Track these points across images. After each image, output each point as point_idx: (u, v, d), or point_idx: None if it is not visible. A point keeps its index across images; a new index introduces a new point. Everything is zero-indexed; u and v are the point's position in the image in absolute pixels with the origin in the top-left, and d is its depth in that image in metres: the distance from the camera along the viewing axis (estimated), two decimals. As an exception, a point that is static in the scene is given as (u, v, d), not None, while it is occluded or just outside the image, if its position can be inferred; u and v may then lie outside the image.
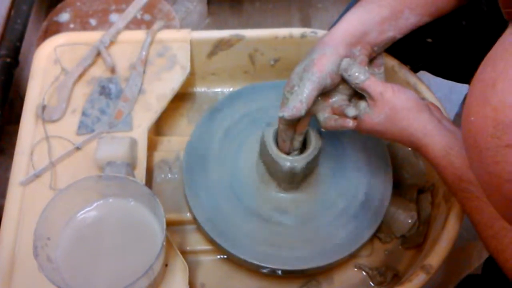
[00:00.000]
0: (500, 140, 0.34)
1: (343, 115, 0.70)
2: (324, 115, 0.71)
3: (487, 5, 0.80)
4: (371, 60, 0.74)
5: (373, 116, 0.68)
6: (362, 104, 0.69)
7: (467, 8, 0.77)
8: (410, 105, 0.66)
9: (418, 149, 0.67)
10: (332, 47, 0.68)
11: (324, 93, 0.70)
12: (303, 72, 0.67)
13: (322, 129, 0.73)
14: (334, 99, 0.71)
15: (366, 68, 0.70)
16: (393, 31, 0.71)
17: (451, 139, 0.64)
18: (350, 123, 0.69)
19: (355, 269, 0.81)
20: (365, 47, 0.70)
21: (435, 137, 0.65)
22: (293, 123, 0.73)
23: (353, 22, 0.70)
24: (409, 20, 0.71)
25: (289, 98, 0.68)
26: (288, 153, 0.77)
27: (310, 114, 0.72)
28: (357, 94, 0.70)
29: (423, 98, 0.82)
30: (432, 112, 0.68)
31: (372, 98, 0.67)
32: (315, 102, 0.69)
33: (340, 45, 0.68)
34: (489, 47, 0.77)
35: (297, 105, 0.66)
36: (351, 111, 0.69)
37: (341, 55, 0.68)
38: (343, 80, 0.69)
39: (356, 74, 0.67)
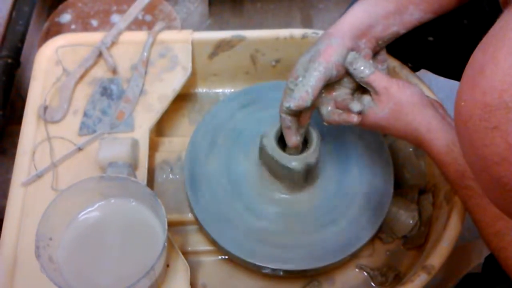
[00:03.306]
0: (488, 122, 0.34)
1: (347, 109, 0.69)
2: (328, 109, 0.71)
3: (489, 4, 0.80)
4: (373, 56, 0.74)
5: (377, 110, 0.67)
6: (366, 98, 0.68)
7: (469, 7, 0.77)
8: (415, 100, 0.66)
9: (421, 145, 0.67)
10: (339, 38, 0.67)
11: (328, 86, 0.69)
12: (309, 63, 0.67)
13: (325, 123, 0.72)
14: (337, 93, 0.71)
15: (371, 62, 0.70)
16: (398, 26, 0.71)
17: (454, 136, 0.64)
18: (355, 118, 0.68)
19: (357, 270, 0.81)
20: (370, 40, 0.70)
21: (439, 133, 0.65)
22: (296, 115, 0.72)
23: (359, 15, 0.69)
24: (413, 16, 0.71)
25: (293, 89, 0.67)
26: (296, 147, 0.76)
27: (313, 107, 0.72)
28: (360, 88, 0.70)
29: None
30: (436, 109, 0.68)
31: (376, 92, 0.67)
32: (319, 94, 0.68)
33: (347, 36, 0.68)
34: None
35: (303, 95, 0.65)
36: (356, 106, 0.68)
37: (347, 46, 0.68)
38: (347, 73, 0.69)
39: (362, 68, 0.67)
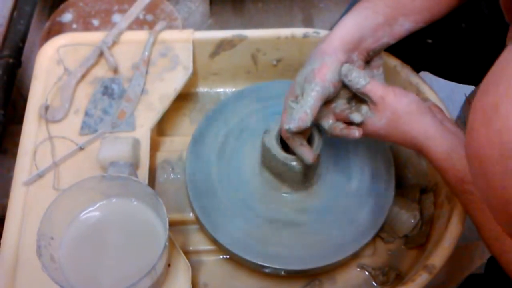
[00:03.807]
0: (506, 165, 0.33)
1: (347, 120, 0.69)
2: (329, 123, 0.71)
3: (488, 7, 0.80)
4: (368, 62, 0.74)
5: (375, 120, 0.67)
6: (364, 108, 0.69)
7: (467, 10, 0.77)
8: (412, 108, 0.66)
9: (421, 151, 0.67)
10: (332, 55, 0.67)
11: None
12: (305, 83, 0.67)
13: (328, 136, 0.73)
14: (334, 104, 0.71)
15: (366, 71, 0.70)
16: (388, 38, 0.72)
17: (453, 142, 0.64)
18: (356, 134, 0.68)
19: (358, 269, 0.81)
20: (361, 52, 0.71)
21: (437, 140, 0.65)
22: (301, 132, 0.72)
23: (350, 29, 0.69)
24: (403, 26, 0.72)
25: (294, 107, 0.68)
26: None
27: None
28: (357, 97, 0.70)
29: (426, 99, 0.82)
30: (434, 114, 0.68)
31: (373, 102, 0.67)
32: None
33: (339, 52, 0.68)
34: (489, 49, 0.77)
35: (302, 116, 0.65)
36: (357, 118, 0.68)
37: (341, 61, 0.68)
38: (344, 85, 0.69)
39: (357, 79, 0.67)
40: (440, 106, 0.80)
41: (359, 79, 0.67)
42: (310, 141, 0.77)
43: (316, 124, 0.74)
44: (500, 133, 0.34)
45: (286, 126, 0.67)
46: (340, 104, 0.71)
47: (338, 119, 0.71)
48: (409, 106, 0.66)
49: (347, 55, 0.69)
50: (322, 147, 0.76)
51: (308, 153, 0.72)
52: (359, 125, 0.69)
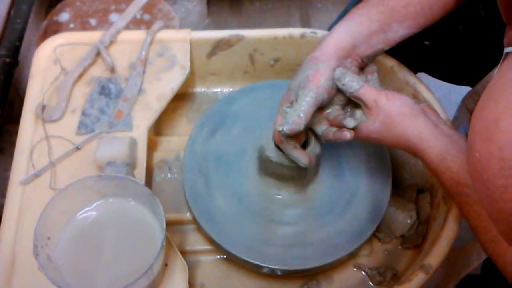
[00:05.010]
0: (507, 179, 0.34)
1: (341, 125, 0.70)
2: (322, 128, 0.71)
3: (485, 9, 0.80)
4: (363, 68, 0.74)
5: (369, 123, 0.68)
6: (358, 112, 0.69)
7: (464, 12, 0.78)
8: (405, 111, 0.66)
9: (415, 154, 0.68)
10: (325, 62, 0.68)
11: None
12: (299, 89, 0.68)
13: (322, 141, 0.73)
14: (328, 111, 0.71)
15: (360, 76, 0.70)
16: (382, 44, 0.72)
17: (447, 144, 0.64)
18: (348, 135, 0.68)
19: (355, 269, 0.81)
20: (355, 59, 0.71)
21: (431, 142, 0.65)
22: (294, 137, 0.72)
23: (343, 36, 0.70)
24: (398, 33, 0.72)
25: (288, 112, 0.68)
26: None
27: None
28: (351, 102, 0.71)
29: (422, 100, 0.82)
30: (428, 117, 0.68)
31: (367, 106, 0.67)
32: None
33: (332, 59, 0.68)
34: (486, 51, 0.77)
35: (296, 120, 0.66)
36: (350, 123, 0.68)
37: (334, 68, 0.68)
38: (337, 90, 0.69)
39: (350, 83, 0.67)
40: (436, 107, 0.80)
41: (353, 83, 0.67)
42: (306, 145, 0.77)
43: (312, 129, 0.74)
44: (501, 149, 0.34)
45: (279, 128, 0.68)
46: (334, 111, 0.71)
47: (332, 125, 0.71)
48: (402, 109, 0.66)
49: (340, 61, 0.69)
50: (319, 149, 0.76)
51: (302, 156, 0.72)
52: (353, 129, 0.69)
